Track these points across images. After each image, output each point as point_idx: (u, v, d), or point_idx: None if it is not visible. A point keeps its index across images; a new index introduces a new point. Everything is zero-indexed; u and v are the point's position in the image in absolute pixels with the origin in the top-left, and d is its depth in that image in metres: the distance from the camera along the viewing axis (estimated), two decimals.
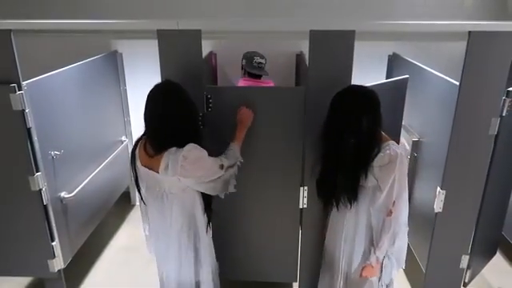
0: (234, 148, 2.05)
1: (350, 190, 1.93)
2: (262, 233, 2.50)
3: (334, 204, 2.03)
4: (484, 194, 2.31)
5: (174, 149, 1.80)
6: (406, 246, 2.10)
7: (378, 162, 1.85)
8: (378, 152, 1.85)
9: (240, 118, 2.14)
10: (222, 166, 1.93)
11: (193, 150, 1.81)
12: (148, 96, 1.87)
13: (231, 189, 2.04)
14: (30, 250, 2.50)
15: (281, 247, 2.53)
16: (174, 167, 1.78)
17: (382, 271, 2.05)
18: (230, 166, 2.00)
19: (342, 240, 2.08)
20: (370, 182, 1.89)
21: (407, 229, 2.06)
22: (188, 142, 1.81)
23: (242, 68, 3.19)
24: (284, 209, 2.42)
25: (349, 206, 1.97)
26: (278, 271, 2.61)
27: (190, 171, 1.82)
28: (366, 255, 2.03)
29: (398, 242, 2.00)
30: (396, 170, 1.83)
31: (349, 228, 2.04)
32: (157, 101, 1.85)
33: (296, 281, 2.60)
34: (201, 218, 2.00)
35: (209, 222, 2.09)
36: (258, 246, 2.54)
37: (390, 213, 1.91)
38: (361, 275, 2.05)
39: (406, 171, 1.92)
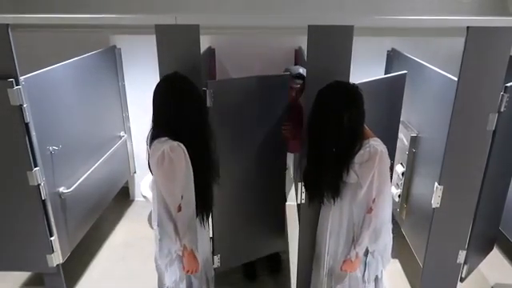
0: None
1: (333, 186, 1.95)
2: (253, 215, 2.59)
3: (319, 199, 2.05)
4: (481, 189, 2.31)
5: (165, 138, 1.80)
6: (391, 243, 2.11)
7: (358, 158, 1.85)
8: (360, 149, 1.85)
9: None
10: (179, 208, 1.86)
11: (177, 153, 1.78)
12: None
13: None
14: (29, 245, 2.51)
15: (269, 222, 2.67)
16: (154, 153, 1.80)
17: (365, 268, 2.07)
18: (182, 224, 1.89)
19: (328, 234, 2.11)
20: (351, 178, 1.91)
21: (391, 226, 2.07)
22: (185, 137, 1.80)
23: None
24: (273, 188, 2.52)
25: (332, 201, 1.99)
26: (268, 244, 2.76)
27: (155, 166, 1.81)
28: (349, 250, 2.05)
29: (382, 239, 2.02)
30: (375, 167, 1.83)
31: (334, 223, 2.07)
32: (158, 88, 1.88)
33: (283, 248, 2.85)
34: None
35: (205, 217, 2.08)
36: (250, 229, 2.62)
37: (370, 210, 1.92)
38: (341, 269, 2.08)
39: (388, 169, 1.91)
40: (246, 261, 2.81)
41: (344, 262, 2.06)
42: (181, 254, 1.96)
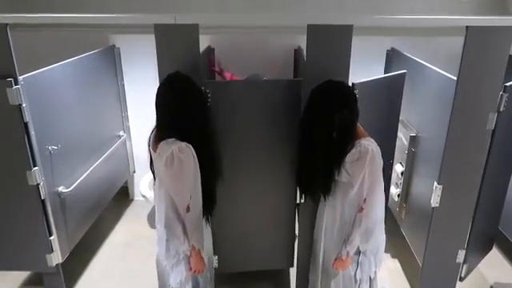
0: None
1: (325, 185, 1.95)
2: (258, 224, 2.53)
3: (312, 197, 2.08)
4: (481, 188, 2.32)
5: (172, 139, 1.79)
6: (384, 243, 2.11)
7: (349, 157, 1.85)
8: (352, 148, 1.85)
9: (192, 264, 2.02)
10: (188, 208, 1.86)
11: (186, 153, 1.77)
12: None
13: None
14: (28, 244, 2.51)
15: (277, 236, 2.57)
16: (162, 155, 1.78)
17: (357, 267, 2.07)
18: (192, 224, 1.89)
19: (323, 232, 2.12)
20: (343, 177, 1.91)
21: (384, 226, 2.07)
22: (190, 137, 1.79)
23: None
24: (280, 199, 2.45)
25: (323, 200, 2.00)
26: (274, 259, 2.66)
27: (163, 167, 1.79)
28: (341, 248, 2.05)
29: (374, 239, 2.01)
30: (366, 167, 1.83)
31: (328, 221, 2.08)
32: (160, 89, 1.86)
33: (292, 266, 2.65)
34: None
35: (209, 216, 2.08)
36: (255, 237, 2.57)
37: (361, 209, 1.93)
38: (333, 267, 2.09)
39: (379, 169, 1.90)
40: (246, 269, 2.74)
41: (335, 260, 2.07)
42: (189, 254, 1.96)
